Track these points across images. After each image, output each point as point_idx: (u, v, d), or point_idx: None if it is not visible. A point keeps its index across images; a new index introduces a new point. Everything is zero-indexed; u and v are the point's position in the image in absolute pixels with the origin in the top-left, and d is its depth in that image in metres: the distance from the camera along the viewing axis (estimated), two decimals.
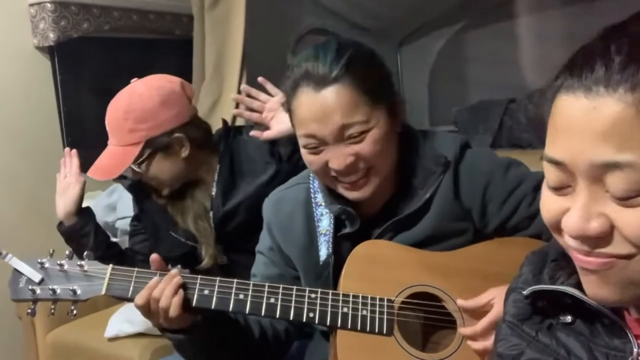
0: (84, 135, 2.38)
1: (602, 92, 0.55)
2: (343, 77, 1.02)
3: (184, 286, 1.09)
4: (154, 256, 1.12)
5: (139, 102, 1.46)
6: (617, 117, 0.54)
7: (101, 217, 2.14)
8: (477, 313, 1.02)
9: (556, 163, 0.59)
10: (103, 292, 1.11)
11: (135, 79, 1.53)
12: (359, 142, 1.04)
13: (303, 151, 1.10)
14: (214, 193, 1.55)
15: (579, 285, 0.67)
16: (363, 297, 1.07)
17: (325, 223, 1.16)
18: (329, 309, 1.07)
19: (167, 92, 1.50)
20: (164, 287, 1.07)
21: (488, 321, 0.99)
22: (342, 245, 1.15)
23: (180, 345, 1.15)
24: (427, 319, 1.09)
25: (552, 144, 0.59)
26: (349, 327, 1.06)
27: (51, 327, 2.07)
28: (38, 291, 1.11)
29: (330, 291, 1.09)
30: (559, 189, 0.60)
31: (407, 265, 1.09)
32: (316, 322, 1.08)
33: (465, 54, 3.20)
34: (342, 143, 1.04)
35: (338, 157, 1.05)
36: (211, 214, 1.55)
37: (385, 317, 1.06)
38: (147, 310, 1.08)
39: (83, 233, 1.54)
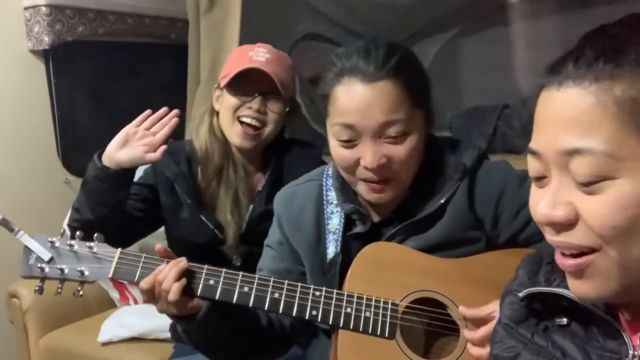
0: (79, 138, 2.38)
1: (570, 84, 0.59)
2: (391, 75, 1.03)
3: (190, 275, 1.09)
4: (158, 246, 1.13)
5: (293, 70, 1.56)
6: (581, 107, 0.58)
7: None
8: (480, 322, 1.01)
9: (533, 153, 0.63)
10: (110, 274, 1.12)
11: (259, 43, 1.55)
12: (396, 144, 1.04)
13: (334, 143, 1.08)
14: (260, 188, 1.55)
15: None
16: (367, 299, 1.07)
17: (335, 221, 1.16)
18: (332, 308, 1.07)
19: None
20: (169, 270, 1.08)
21: (487, 330, 0.98)
22: (352, 244, 1.15)
23: (187, 332, 1.15)
24: (431, 325, 1.08)
25: (532, 137, 0.64)
26: (351, 327, 1.06)
27: (44, 331, 2.06)
28: (47, 269, 1.12)
29: (335, 290, 1.08)
30: (539, 180, 0.64)
31: (414, 270, 1.09)
32: (319, 320, 1.08)
33: (460, 59, 3.21)
34: (378, 140, 1.04)
35: (373, 155, 1.04)
36: (251, 207, 1.54)
37: (388, 320, 1.05)
38: (152, 294, 1.09)
39: (113, 188, 1.41)
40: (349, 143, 1.06)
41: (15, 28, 2.21)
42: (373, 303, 1.06)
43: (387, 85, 1.03)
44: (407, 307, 1.07)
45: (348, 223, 1.16)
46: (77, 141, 2.37)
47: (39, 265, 1.12)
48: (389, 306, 1.06)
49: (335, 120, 1.06)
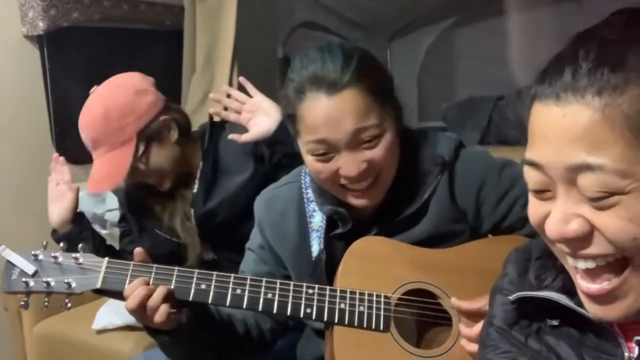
0: (73, 125, 2.34)
1: (570, 98, 0.56)
2: (354, 82, 1.01)
3: (181, 280, 1.08)
4: (137, 250, 1.11)
5: (114, 100, 1.44)
6: (586, 123, 0.55)
7: (90, 208, 2.12)
8: (475, 316, 1.02)
9: (534, 165, 0.60)
10: (98, 285, 1.09)
11: (94, 88, 1.51)
12: (372, 148, 1.03)
13: (309, 159, 1.06)
14: (195, 190, 1.53)
15: (565, 288, 0.67)
16: (360, 293, 1.07)
17: (317, 219, 1.16)
18: (326, 305, 1.07)
19: (133, 83, 1.48)
20: (159, 299, 1.05)
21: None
22: (335, 243, 1.15)
23: (165, 345, 1.14)
24: (424, 315, 1.09)
25: (530, 149, 0.61)
26: (346, 323, 1.06)
27: (38, 319, 2.06)
28: (31, 284, 1.09)
29: (328, 287, 1.08)
30: (540, 192, 0.61)
31: (404, 262, 1.09)
32: (313, 317, 1.08)
33: (455, 50, 3.20)
34: (354, 148, 1.02)
35: (352, 164, 1.02)
36: (192, 211, 1.53)
37: (382, 313, 1.06)
38: (137, 314, 1.06)
39: (80, 239, 1.47)
40: (325, 156, 1.04)
41: (10, 13, 2.19)
42: (366, 297, 1.07)
43: (352, 92, 1.00)
44: (399, 299, 1.07)
45: (331, 222, 1.15)
46: (72, 128, 2.34)
47: (23, 279, 1.09)
48: (382, 299, 1.07)
49: (307, 138, 1.04)
